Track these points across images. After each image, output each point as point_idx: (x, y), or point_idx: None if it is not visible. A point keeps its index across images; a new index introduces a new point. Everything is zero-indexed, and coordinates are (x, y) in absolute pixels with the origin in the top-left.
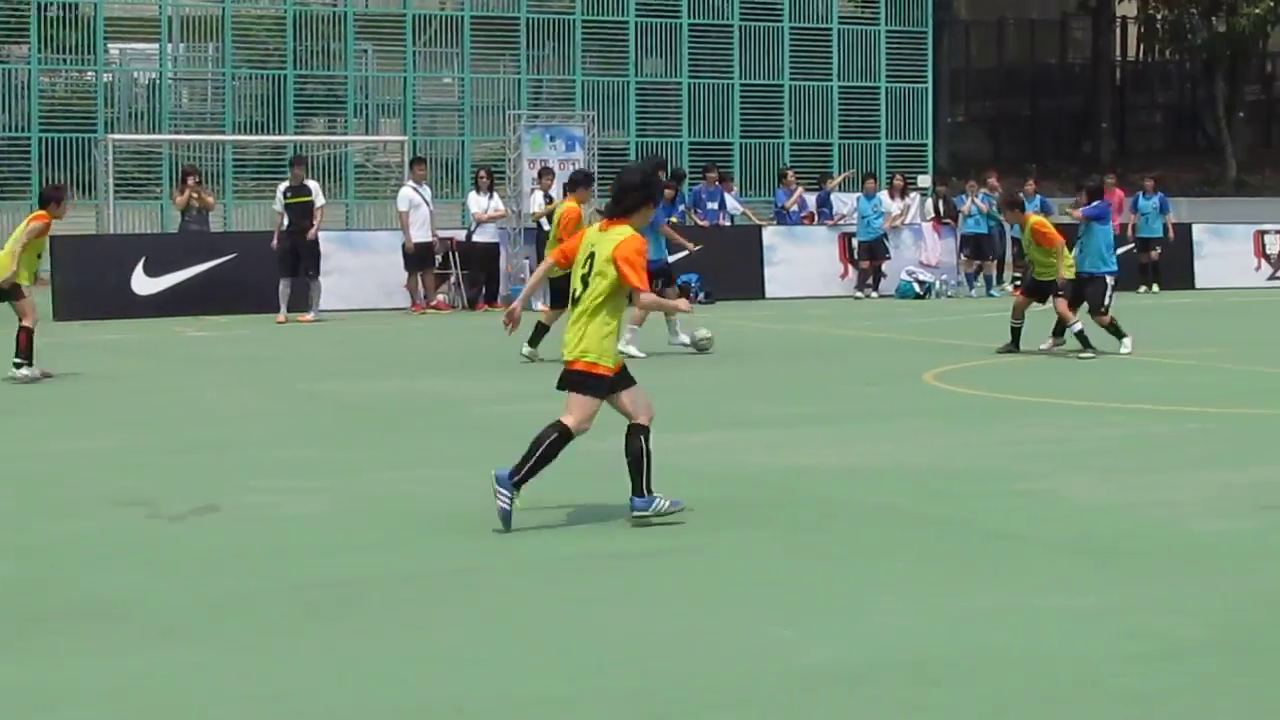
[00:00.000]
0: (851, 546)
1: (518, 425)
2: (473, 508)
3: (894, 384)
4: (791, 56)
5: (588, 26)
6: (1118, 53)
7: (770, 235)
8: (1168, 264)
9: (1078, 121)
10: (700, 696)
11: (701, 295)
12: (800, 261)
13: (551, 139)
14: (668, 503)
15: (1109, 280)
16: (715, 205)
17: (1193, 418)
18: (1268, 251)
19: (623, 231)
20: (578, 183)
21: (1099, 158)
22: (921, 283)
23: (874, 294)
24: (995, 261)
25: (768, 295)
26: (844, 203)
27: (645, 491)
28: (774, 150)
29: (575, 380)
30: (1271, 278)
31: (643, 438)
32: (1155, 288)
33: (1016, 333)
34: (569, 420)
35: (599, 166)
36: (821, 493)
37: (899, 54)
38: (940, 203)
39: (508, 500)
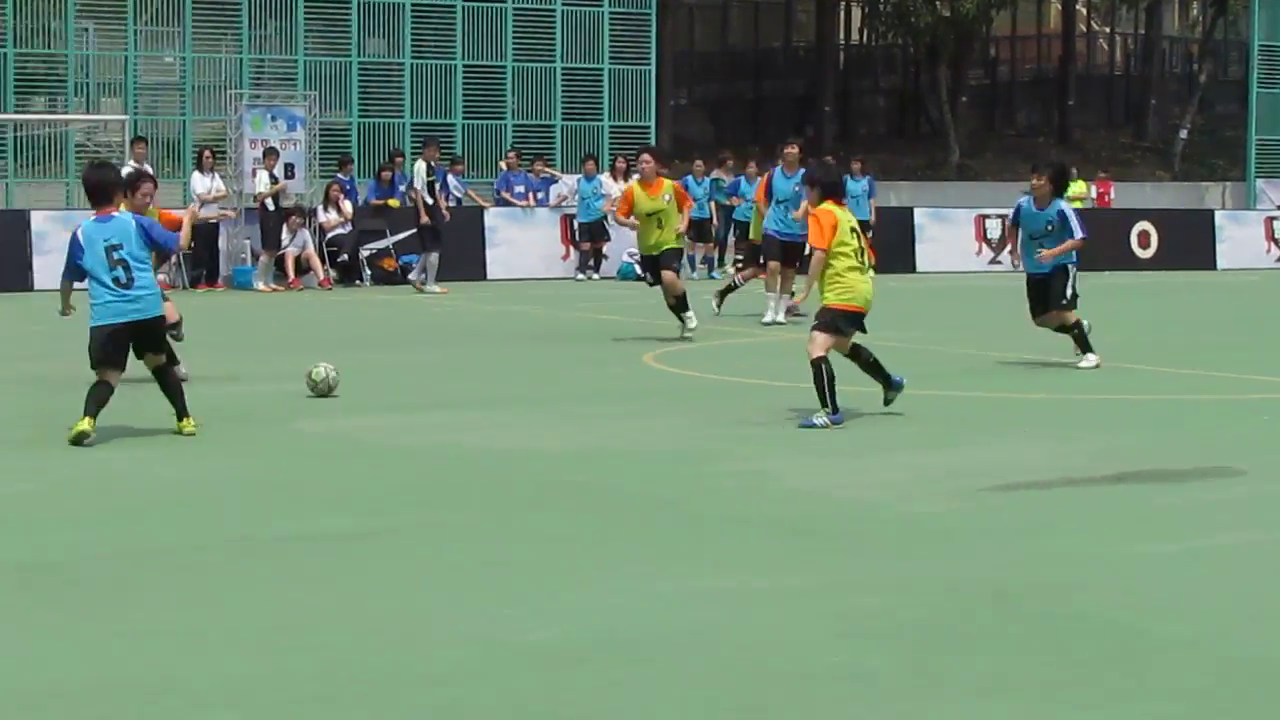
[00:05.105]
0: (570, 527)
1: (230, 403)
2: (184, 487)
3: (614, 366)
4: (515, 38)
5: (310, 6)
6: (841, 36)
7: (492, 217)
8: (888, 247)
9: (801, 105)
10: (416, 673)
11: (422, 276)
12: (522, 243)
13: (273, 119)
14: None
15: None
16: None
17: (907, 399)
18: (989, 236)
19: None
20: None
21: (822, 141)
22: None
23: (595, 276)
24: (716, 244)
25: (489, 277)
26: (565, 184)
27: None
28: (497, 132)
29: None
30: (992, 261)
31: None
32: (871, 272)
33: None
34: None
35: (320, 147)
36: (540, 473)
37: (622, 36)
38: None
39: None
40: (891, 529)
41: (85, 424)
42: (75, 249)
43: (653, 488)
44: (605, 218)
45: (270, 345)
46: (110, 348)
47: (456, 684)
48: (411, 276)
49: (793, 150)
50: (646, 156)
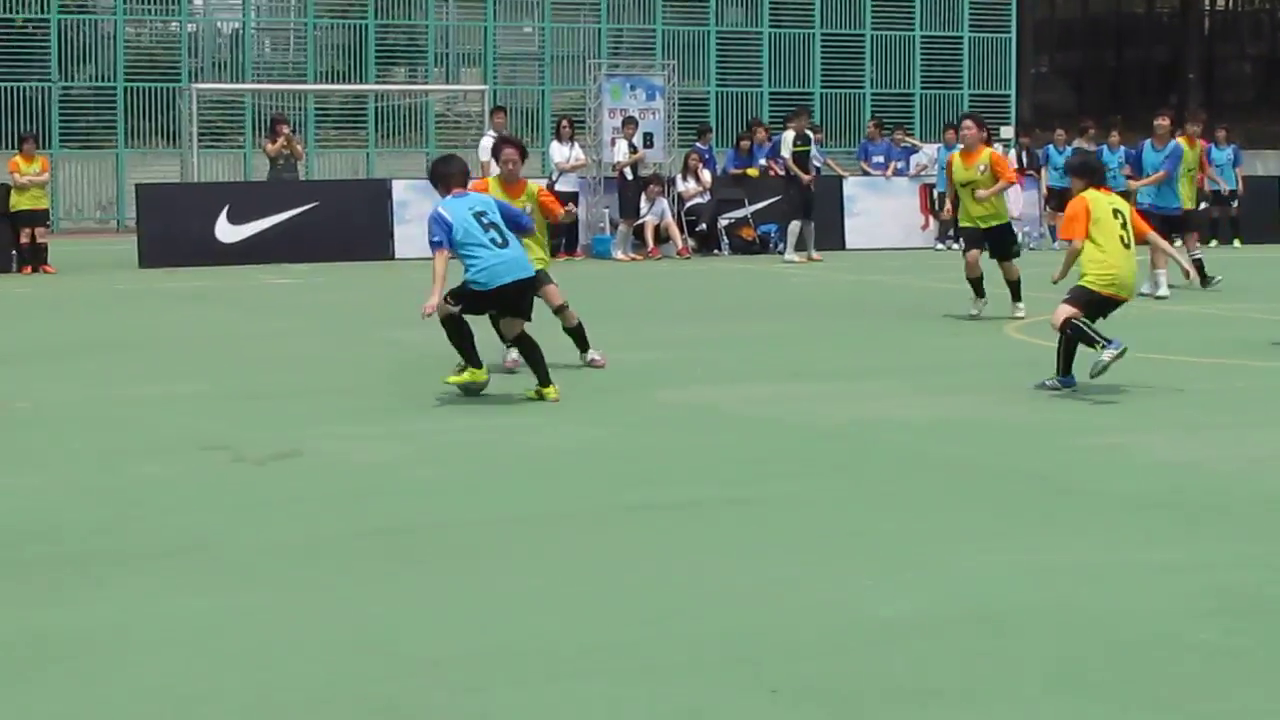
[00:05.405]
0: (929, 498)
1: (591, 372)
2: (547, 455)
3: (974, 336)
4: (874, 6)
5: None
6: (1206, 1)
7: (851, 186)
8: (1258, 217)
9: (1164, 72)
10: (778, 643)
11: (781, 246)
12: (881, 213)
13: (632, 88)
14: None
15: None
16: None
17: (1277, 373)
18: None
19: None
20: None
21: (1186, 110)
22: None
23: (955, 245)
24: None
25: (848, 246)
26: (925, 154)
27: None
28: (855, 100)
29: None
30: None
31: None
32: (1237, 242)
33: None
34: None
35: (679, 116)
36: (899, 444)
37: (982, 4)
38: (1023, 154)
39: None
40: (1261, 504)
41: (481, 373)
42: (440, 224)
43: (1014, 459)
44: None
45: (630, 314)
46: (498, 305)
47: (818, 655)
48: (786, 256)
49: (1164, 123)
50: (969, 122)
